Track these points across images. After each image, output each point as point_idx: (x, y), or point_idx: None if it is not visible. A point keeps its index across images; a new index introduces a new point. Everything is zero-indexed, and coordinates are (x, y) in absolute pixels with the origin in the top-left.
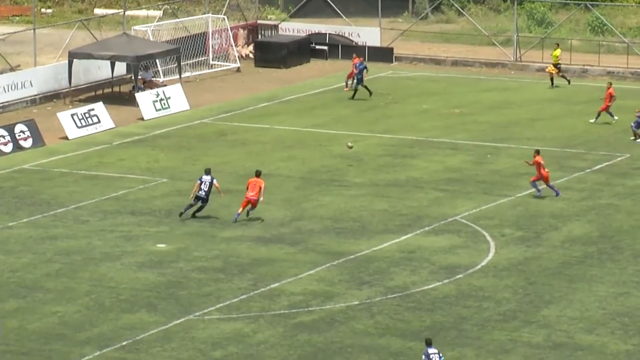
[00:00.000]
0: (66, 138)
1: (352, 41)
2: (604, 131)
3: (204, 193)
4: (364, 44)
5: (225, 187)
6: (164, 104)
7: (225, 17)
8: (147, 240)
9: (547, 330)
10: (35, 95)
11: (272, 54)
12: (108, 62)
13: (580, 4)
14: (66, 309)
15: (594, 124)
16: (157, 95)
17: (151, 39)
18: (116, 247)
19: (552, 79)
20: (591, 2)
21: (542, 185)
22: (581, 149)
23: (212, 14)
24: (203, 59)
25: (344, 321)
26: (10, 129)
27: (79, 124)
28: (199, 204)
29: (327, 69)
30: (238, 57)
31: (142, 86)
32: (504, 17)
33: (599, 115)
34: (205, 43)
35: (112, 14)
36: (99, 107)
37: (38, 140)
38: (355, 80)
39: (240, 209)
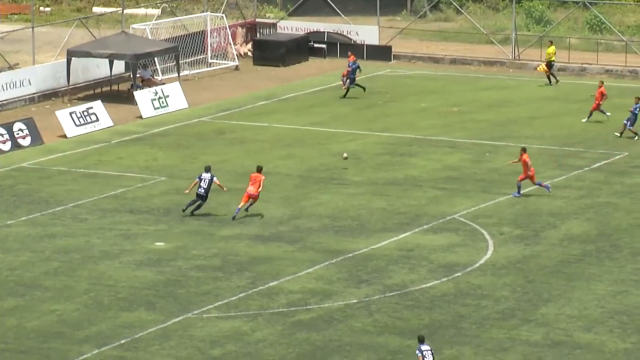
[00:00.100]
0: (65, 136)
1: (351, 39)
2: (603, 129)
3: (203, 190)
4: (363, 43)
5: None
6: (163, 102)
7: (224, 15)
8: (146, 238)
9: (546, 329)
10: (34, 94)
11: (270, 52)
12: (106, 61)
13: (578, 2)
14: (65, 307)
15: (587, 122)
16: (156, 93)
17: (150, 37)
18: (115, 245)
19: (548, 77)
20: (590, 1)
21: (531, 187)
22: (580, 147)
23: (211, 12)
24: (201, 57)
25: (342, 319)
26: (8, 127)
27: (77, 123)
28: (199, 201)
29: (326, 67)
30: (236, 55)
31: (141, 84)
32: (503, 16)
33: (590, 114)
34: (203, 41)
35: (111, 12)
36: (97, 106)
37: (36, 138)
38: (347, 80)
39: (241, 204)
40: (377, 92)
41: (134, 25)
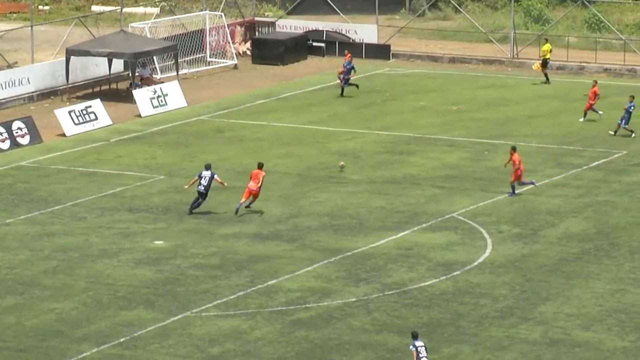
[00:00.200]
0: (63, 135)
1: (350, 38)
2: (601, 128)
3: (203, 188)
4: (361, 41)
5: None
6: (162, 100)
7: (223, 14)
8: (145, 237)
9: (544, 327)
10: (33, 92)
11: (269, 51)
12: (105, 59)
13: (577, 0)
14: (63, 305)
15: (584, 121)
16: (155, 92)
17: (148, 36)
18: (113, 244)
19: (545, 75)
20: None
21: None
22: (578, 145)
23: (210, 11)
24: (200, 56)
25: (341, 318)
26: (7, 126)
27: (76, 121)
28: (199, 199)
29: (324, 66)
30: (235, 54)
31: (140, 83)
32: (501, 14)
33: (585, 114)
34: (202, 40)
35: (110, 11)
36: (96, 104)
37: (35, 137)
38: (342, 80)
39: (243, 199)
40: (375, 90)
41: (133, 24)
